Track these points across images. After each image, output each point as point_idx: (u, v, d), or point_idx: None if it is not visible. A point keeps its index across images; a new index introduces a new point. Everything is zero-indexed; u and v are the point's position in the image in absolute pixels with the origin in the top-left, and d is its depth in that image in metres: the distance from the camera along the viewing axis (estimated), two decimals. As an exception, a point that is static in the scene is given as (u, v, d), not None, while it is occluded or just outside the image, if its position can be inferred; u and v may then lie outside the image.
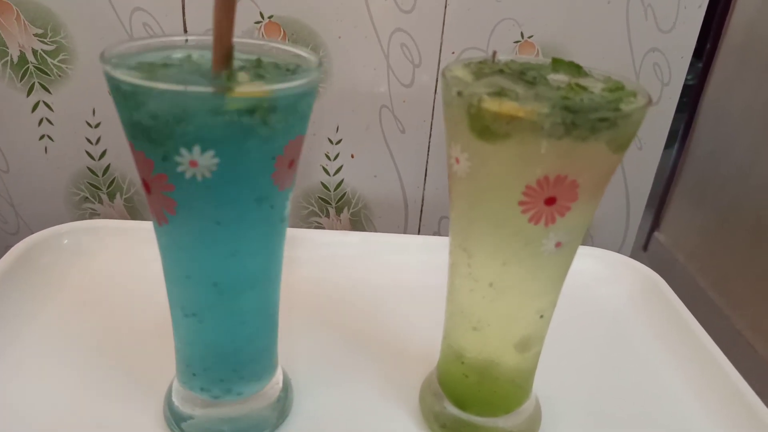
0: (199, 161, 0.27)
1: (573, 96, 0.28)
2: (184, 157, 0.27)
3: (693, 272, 1.75)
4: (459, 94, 0.28)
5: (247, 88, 0.27)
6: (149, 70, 0.28)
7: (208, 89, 0.26)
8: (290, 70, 0.30)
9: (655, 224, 1.99)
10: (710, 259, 1.69)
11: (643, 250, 2.10)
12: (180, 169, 0.27)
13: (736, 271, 1.56)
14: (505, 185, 0.29)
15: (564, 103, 0.27)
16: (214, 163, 0.27)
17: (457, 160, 0.30)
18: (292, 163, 0.31)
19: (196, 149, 0.27)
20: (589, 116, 0.26)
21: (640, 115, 0.27)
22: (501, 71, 0.31)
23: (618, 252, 0.64)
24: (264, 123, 0.27)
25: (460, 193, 0.32)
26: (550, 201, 0.29)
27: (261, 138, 0.27)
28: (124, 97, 0.27)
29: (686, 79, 0.68)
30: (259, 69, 0.29)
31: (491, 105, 0.27)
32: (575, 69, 0.32)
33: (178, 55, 0.30)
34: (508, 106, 0.26)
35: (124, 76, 0.26)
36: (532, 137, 0.26)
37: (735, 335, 1.54)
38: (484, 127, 0.27)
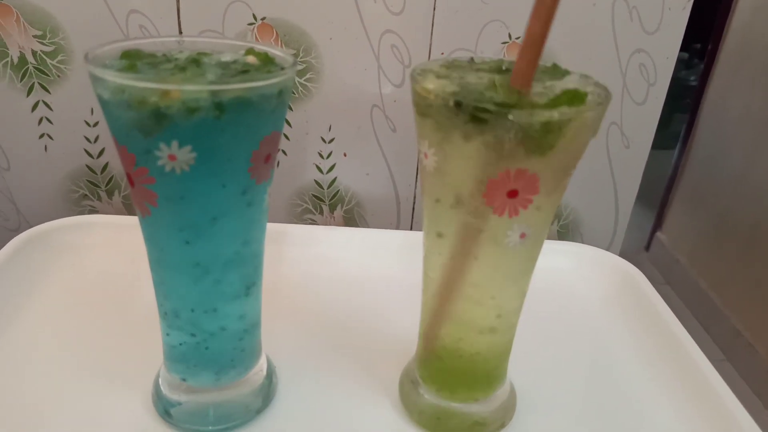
0: (177, 155, 0.28)
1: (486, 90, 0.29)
2: (163, 151, 0.28)
3: (694, 272, 1.75)
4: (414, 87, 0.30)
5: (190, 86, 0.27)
6: (127, 68, 0.29)
7: (186, 86, 0.27)
8: (283, 69, 0.31)
9: (658, 224, 2.00)
10: (710, 260, 1.70)
11: (646, 250, 2.10)
12: (160, 162, 0.29)
13: (735, 271, 1.56)
14: (469, 179, 0.30)
15: (462, 90, 0.29)
16: (192, 157, 0.29)
17: (426, 156, 0.32)
18: (268, 158, 0.32)
19: (174, 144, 0.28)
20: (471, 106, 0.28)
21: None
22: (477, 70, 0.32)
23: (608, 250, 0.65)
24: (236, 120, 0.28)
25: (429, 187, 0.33)
26: (513, 194, 0.30)
27: (235, 134, 0.29)
28: (104, 94, 0.28)
29: (689, 80, 0.69)
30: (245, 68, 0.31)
31: (415, 84, 0.30)
32: (556, 70, 0.33)
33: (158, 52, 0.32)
34: (422, 87, 0.29)
35: (101, 73, 0.28)
36: (491, 135, 0.28)
37: (735, 335, 1.54)
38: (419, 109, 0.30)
